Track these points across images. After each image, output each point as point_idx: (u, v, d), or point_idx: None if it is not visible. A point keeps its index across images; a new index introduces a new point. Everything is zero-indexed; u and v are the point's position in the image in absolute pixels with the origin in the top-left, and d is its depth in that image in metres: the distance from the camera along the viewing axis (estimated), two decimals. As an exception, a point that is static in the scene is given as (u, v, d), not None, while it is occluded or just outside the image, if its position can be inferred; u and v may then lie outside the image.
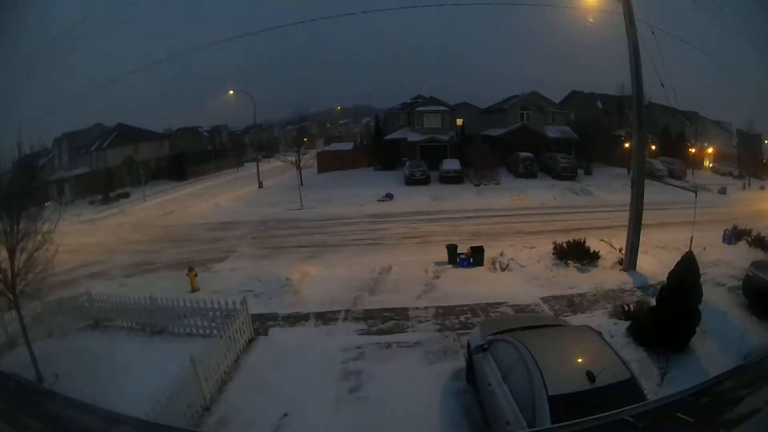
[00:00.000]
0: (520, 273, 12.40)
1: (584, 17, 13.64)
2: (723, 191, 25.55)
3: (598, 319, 9.12)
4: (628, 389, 4.69)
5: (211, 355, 7.35)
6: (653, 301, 8.55)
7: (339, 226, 19.12)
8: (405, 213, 20.88)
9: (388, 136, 34.32)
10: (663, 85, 11.37)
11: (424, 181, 27.17)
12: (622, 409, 3.80)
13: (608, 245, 13.59)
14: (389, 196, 23.65)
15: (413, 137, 32.59)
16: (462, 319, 9.77)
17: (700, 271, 8.03)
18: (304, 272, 13.02)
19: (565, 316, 9.41)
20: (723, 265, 12.19)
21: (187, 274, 12.10)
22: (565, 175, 27.73)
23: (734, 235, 14.41)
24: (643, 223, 12.25)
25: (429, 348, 8.44)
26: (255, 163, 32.57)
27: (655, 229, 15.01)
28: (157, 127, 35.89)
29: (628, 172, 18.58)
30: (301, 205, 22.81)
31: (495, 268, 12.82)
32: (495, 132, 32.99)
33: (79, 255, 16.02)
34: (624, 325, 8.52)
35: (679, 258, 8.01)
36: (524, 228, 17.66)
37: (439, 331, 9.27)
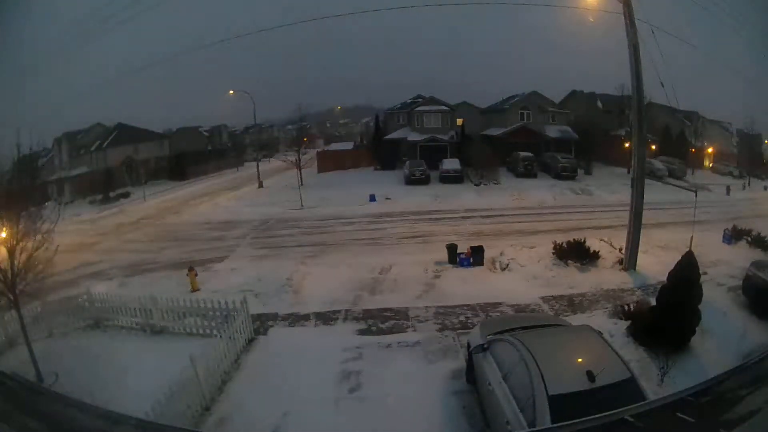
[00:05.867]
0: (520, 273, 12.39)
1: (584, 17, 13.65)
2: (729, 191, 25.55)
3: (598, 318, 9.12)
4: (628, 389, 4.69)
5: (211, 355, 7.36)
6: (653, 301, 8.56)
7: (339, 226, 19.11)
8: (405, 213, 20.87)
9: (388, 136, 34.32)
10: (663, 85, 11.38)
11: (424, 181, 27.16)
12: (622, 409, 3.80)
13: (608, 245, 13.59)
14: (372, 200, 23.40)
15: (413, 137, 32.58)
16: (462, 319, 9.77)
17: (700, 271, 8.04)
18: (304, 272, 13.03)
19: (565, 316, 9.41)
20: (723, 265, 12.19)
21: (187, 274, 12.10)
22: (565, 174, 27.71)
23: (734, 235, 14.41)
24: (643, 222, 12.26)
25: (429, 348, 8.45)
26: (255, 163, 32.56)
27: (655, 229, 15.01)
28: (157, 127, 35.86)
29: (628, 172, 18.57)
30: (301, 205, 22.80)
31: (495, 268, 12.82)
32: (495, 132, 32.99)
33: (79, 255, 16.04)
34: (624, 324, 8.52)
35: (679, 258, 8.02)
36: (524, 228, 17.65)
37: (439, 330, 9.27)
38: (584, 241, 12.91)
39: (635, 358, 7.23)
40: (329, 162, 33.51)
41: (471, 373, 6.85)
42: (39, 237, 7.78)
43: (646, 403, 4.26)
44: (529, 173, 28.33)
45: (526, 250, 13.90)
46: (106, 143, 32.60)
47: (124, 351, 8.70)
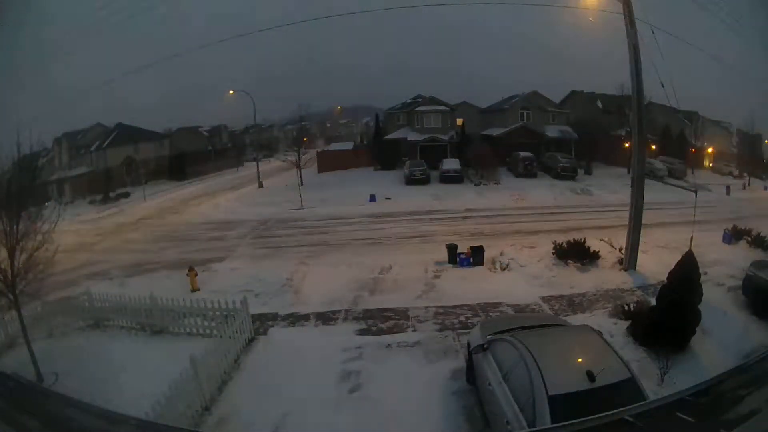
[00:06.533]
0: (520, 273, 12.40)
1: (584, 17, 13.66)
2: (729, 191, 25.58)
3: (598, 318, 9.13)
4: (628, 389, 4.70)
5: (211, 355, 7.36)
6: (653, 301, 8.57)
7: (339, 226, 19.10)
8: (405, 213, 20.86)
9: (388, 136, 34.28)
10: (663, 85, 11.37)
11: (424, 181, 27.15)
12: (622, 409, 3.80)
13: (608, 245, 13.59)
14: (372, 200, 23.43)
15: (413, 137, 32.54)
16: (462, 318, 9.77)
17: (700, 271, 8.04)
18: (304, 272, 13.03)
19: (565, 316, 9.42)
20: (723, 265, 12.19)
21: (187, 274, 12.10)
22: (565, 174, 27.68)
23: (734, 235, 14.41)
24: (643, 222, 12.26)
25: (429, 348, 8.45)
26: (255, 163, 32.54)
27: (655, 228, 15.00)
28: (157, 127, 35.77)
29: (628, 171, 18.55)
30: (301, 205, 22.79)
31: (495, 268, 12.82)
32: (495, 132, 32.95)
33: (79, 255, 16.04)
34: (624, 324, 8.53)
35: (679, 258, 8.02)
36: (524, 228, 17.65)
37: (439, 330, 9.27)
38: (584, 241, 12.92)
39: (635, 358, 7.24)
40: (329, 162, 33.47)
41: (471, 373, 6.85)
42: (39, 237, 7.79)
43: (646, 403, 4.26)
44: (529, 173, 28.31)
45: (526, 250, 13.91)
46: (106, 143, 32.55)
47: (124, 351, 8.71)
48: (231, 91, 33.28)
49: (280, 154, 37.32)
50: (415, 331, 9.36)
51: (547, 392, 4.61)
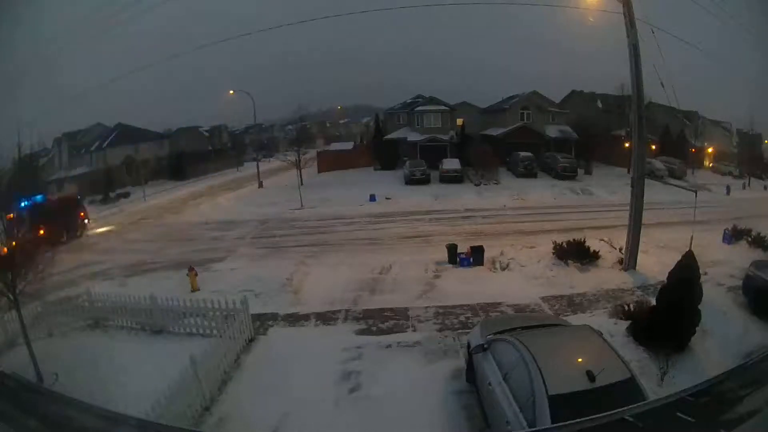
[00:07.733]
0: (520, 273, 12.40)
1: (584, 17, 13.66)
2: (729, 191, 25.60)
3: (598, 318, 9.13)
4: (628, 389, 4.70)
5: (211, 355, 7.36)
6: (653, 301, 8.57)
7: (339, 226, 19.11)
8: (405, 213, 20.87)
9: (388, 136, 34.28)
10: (663, 85, 11.38)
11: (424, 181, 27.17)
12: (622, 409, 3.81)
13: (608, 245, 13.60)
14: (372, 199, 23.45)
15: (413, 137, 32.55)
16: (462, 318, 9.77)
17: (700, 271, 8.04)
18: (304, 272, 13.04)
19: (565, 316, 9.41)
20: (723, 265, 12.19)
21: (187, 274, 12.10)
22: (565, 174, 27.70)
23: (734, 235, 14.42)
24: (643, 222, 12.26)
25: (429, 348, 8.45)
26: (255, 163, 32.56)
27: (655, 228, 15.00)
28: (157, 127, 35.80)
29: (628, 171, 18.56)
30: (301, 205, 22.80)
31: (495, 268, 12.82)
32: (495, 132, 32.96)
33: (79, 255, 16.04)
34: (624, 324, 8.52)
35: (679, 258, 8.02)
36: (524, 228, 17.65)
37: (439, 330, 9.27)
38: (584, 241, 12.92)
39: (635, 358, 7.23)
40: (329, 162, 33.48)
41: (471, 373, 6.85)
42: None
43: (646, 403, 4.26)
44: (529, 173, 28.33)
45: (526, 249, 13.91)
46: (106, 143, 32.58)
47: (124, 351, 8.71)
48: (231, 91, 33.33)
49: (280, 154, 37.32)
50: (415, 331, 9.36)
51: (547, 392, 4.61)
